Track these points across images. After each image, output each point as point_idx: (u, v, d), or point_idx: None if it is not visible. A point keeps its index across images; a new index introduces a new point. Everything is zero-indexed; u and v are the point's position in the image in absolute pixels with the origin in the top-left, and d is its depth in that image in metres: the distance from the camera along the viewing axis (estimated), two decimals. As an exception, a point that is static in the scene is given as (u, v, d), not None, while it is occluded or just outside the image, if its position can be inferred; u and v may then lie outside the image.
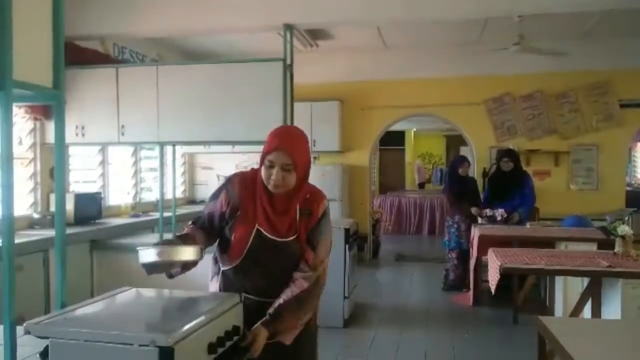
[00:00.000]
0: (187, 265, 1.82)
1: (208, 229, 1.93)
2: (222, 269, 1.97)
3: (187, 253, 1.76)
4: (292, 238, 1.87)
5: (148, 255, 1.75)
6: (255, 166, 1.94)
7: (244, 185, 1.89)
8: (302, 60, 5.37)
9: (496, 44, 6.04)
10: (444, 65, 7.14)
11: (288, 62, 4.37)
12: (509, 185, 5.64)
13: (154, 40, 6.09)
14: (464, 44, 6.89)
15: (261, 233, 1.85)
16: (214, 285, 2.01)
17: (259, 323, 1.80)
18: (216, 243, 1.99)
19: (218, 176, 7.27)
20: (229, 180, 1.93)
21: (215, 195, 1.93)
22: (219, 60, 5.03)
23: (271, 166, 1.80)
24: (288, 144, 1.80)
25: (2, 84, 1.51)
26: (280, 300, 1.83)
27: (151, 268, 1.78)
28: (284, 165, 1.78)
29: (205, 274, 2.09)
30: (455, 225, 5.89)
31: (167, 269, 1.81)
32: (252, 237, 1.85)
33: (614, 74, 7.03)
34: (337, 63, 7.16)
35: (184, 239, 1.86)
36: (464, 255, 5.82)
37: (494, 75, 7.28)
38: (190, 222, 1.98)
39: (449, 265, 6.02)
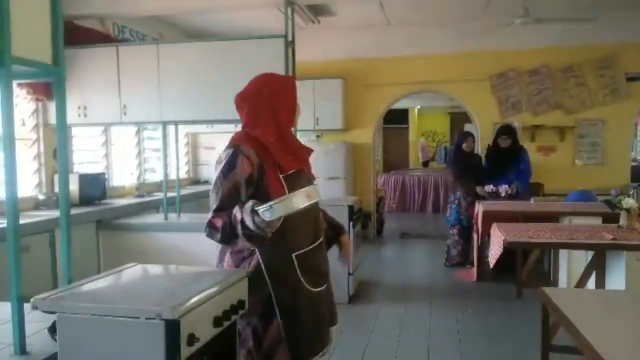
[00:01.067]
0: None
1: (237, 204, 1.81)
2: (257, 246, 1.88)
3: (312, 194, 1.70)
4: (306, 165, 2.07)
5: (276, 210, 1.64)
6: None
7: (251, 145, 1.89)
8: (304, 37, 5.31)
9: (501, 18, 5.94)
10: (448, 41, 7.04)
11: (289, 39, 4.32)
12: (506, 161, 5.69)
13: (154, 19, 6.03)
14: (468, 19, 6.77)
15: (287, 173, 1.91)
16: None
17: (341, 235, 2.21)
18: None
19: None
20: (238, 147, 1.88)
21: (231, 166, 1.84)
22: (220, 38, 4.97)
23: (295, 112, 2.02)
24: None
25: (1, 60, 1.50)
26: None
27: (258, 239, 1.75)
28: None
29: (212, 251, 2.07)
30: (457, 202, 5.90)
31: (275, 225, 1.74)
32: (283, 180, 1.88)
33: (620, 47, 6.93)
34: (339, 40, 7.07)
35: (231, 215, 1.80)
36: (465, 232, 5.85)
37: (499, 50, 7.20)
38: (211, 215, 1.85)
39: (450, 242, 6.05)
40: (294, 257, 1.90)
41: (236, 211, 1.75)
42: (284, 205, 1.64)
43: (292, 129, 2.06)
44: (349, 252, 2.17)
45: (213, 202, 1.86)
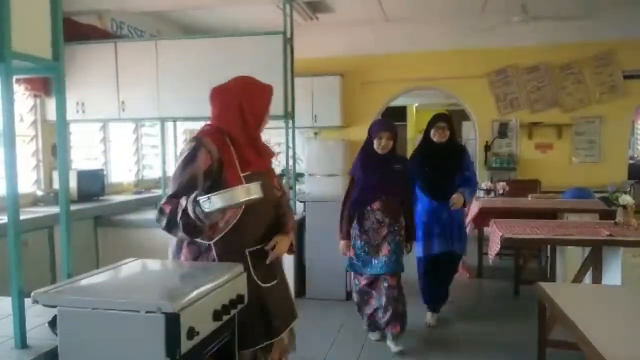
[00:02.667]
0: (217, 227, 1.91)
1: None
2: (213, 241, 1.95)
3: (253, 190, 1.72)
4: (269, 168, 2.15)
5: (214, 202, 1.67)
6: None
7: (215, 139, 1.95)
8: (302, 34, 5.30)
9: (499, 16, 5.95)
10: (446, 38, 7.05)
11: (288, 35, 4.33)
12: (444, 163, 3.85)
13: (153, 16, 6.01)
14: (467, 16, 6.78)
15: (249, 172, 1.95)
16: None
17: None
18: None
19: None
20: (200, 140, 1.94)
21: (191, 158, 1.89)
22: (218, 35, 4.97)
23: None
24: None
25: (1, 55, 1.50)
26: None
27: (195, 231, 1.79)
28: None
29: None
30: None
31: (216, 221, 1.84)
32: (244, 178, 1.92)
33: (617, 45, 6.95)
34: (338, 37, 7.07)
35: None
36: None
37: (497, 47, 7.21)
38: (164, 201, 1.88)
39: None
40: (247, 253, 1.97)
41: (182, 199, 1.79)
42: (223, 197, 1.68)
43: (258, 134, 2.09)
44: (275, 254, 2.05)
45: (169, 190, 1.91)
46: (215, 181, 1.92)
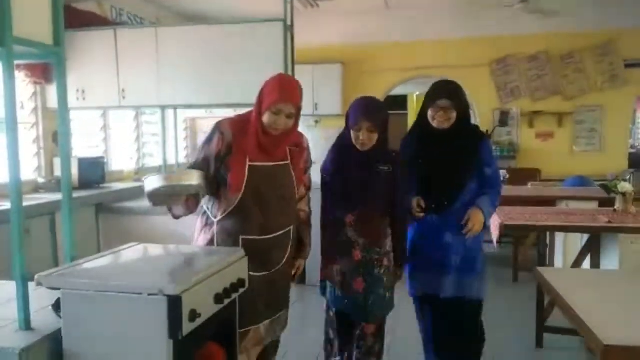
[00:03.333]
0: (189, 205, 1.98)
1: (205, 172, 2.00)
2: (217, 219, 2.05)
3: (190, 176, 1.86)
4: (284, 162, 2.10)
5: (153, 182, 1.81)
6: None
7: (235, 125, 2.03)
8: (303, 21, 5.28)
9: (500, 4, 5.92)
10: (447, 26, 7.01)
11: (288, 23, 4.31)
12: (449, 159, 2.50)
13: (152, 3, 5.99)
14: (467, 4, 6.74)
15: (256, 163, 2.00)
16: (204, 238, 2.09)
17: (298, 257, 2.28)
18: (205, 198, 2.09)
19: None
20: (219, 123, 2.05)
21: (208, 139, 2.03)
22: (219, 22, 4.94)
23: (277, 113, 1.98)
24: (294, 96, 2.01)
25: (3, 40, 1.51)
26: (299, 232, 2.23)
27: (156, 199, 1.89)
28: (289, 114, 2.00)
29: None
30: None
31: (171, 201, 1.96)
32: (248, 167, 1.98)
33: (619, 34, 6.92)
34: (339, 24, 7.04)
35: None
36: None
37: (498, 36, 7.18)
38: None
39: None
40: (240, 240, 2.02)
41: None
42: (147, 181, 1.85)
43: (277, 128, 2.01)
44: (294, 275, 2.29)
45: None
46: (223, 164, 2.00)
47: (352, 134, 2.32)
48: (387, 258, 2.40)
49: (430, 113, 2.48)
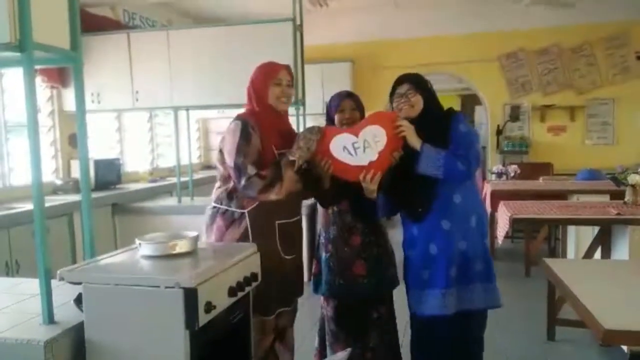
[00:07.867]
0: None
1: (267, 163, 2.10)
2: (247, 209, 2.12)
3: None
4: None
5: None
6: None
7: (252, 118, 2.13)
8: (312, 20, 5.33)
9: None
10: (457, 21, 7.01)
11: (298, 22, 4.36)
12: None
13: (164, 6, 6.08)
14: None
15: (281, 150, 2.11)
16: (233, 236, 2.13)
17: None
18: (223, 196, 2.19)
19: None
20: (244, 122, 2.11)
21: (246, 138, 2.06)
22: (228, 23, 5.00)
23: (279, 83, 2.15)
24: (282, 65, 2.23)
25: (23, 46, 1.57)
26: None
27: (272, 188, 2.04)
28: (288, 82, 2.19)
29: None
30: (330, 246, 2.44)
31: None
32: (277, 154, 2.10)
33: (630, 26, 6.85)
34: (348, 23, 7.07)
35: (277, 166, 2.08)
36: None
37: (508, 30, 7.15)
38: (254, 174, 2.02)
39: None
40: (276, 225, 2.13)
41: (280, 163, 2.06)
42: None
43: (284, 108, 2.22)
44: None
45: (243, 162, 2.03)
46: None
47: (337, 117, 2.35)
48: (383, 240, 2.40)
49: (395, 106, 2.29)
